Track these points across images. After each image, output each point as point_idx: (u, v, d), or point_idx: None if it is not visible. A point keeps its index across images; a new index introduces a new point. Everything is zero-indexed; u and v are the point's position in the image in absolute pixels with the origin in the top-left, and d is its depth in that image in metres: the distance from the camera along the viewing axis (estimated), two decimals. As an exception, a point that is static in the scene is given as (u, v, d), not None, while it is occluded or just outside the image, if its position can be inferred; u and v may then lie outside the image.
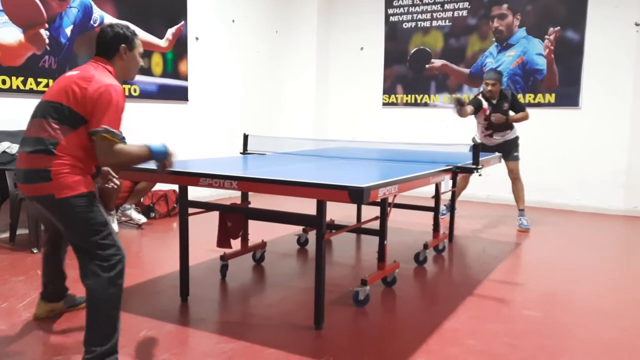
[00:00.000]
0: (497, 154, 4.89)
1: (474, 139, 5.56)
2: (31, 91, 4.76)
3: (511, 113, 5.40)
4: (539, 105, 6.71)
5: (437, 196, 4.37)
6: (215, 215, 3.33)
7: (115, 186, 2.92)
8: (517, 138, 5.52)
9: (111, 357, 2.26)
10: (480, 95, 5.43)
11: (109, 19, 5.39)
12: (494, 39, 6.99)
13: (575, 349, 2.68)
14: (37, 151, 2.26)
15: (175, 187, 5.32)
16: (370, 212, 3.81)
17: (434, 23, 7.40)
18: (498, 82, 5.33)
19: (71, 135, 2.26)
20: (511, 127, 5.49)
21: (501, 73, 5.72)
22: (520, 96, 6.79)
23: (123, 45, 2.45)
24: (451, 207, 4.91)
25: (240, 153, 4.44)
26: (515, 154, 5.48)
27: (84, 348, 2.25)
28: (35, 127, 2.31)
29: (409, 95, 7.65)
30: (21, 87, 4.70)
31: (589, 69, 6.46)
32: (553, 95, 6.67)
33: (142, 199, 5.54)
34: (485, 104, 5.35)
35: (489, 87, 5.30)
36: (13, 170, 4.30)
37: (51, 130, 2.26)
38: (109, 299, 2.26)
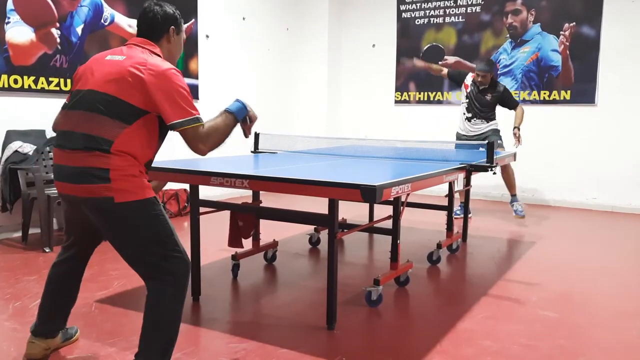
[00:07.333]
0: (513, 151, 4.82)
1: (457, 133, 5.67)
2: (42, 90, 4.77)
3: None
4: (554, 102, 6.61)
5: (450, 195, 4.32)
6: (226, 214, 3.31)
7: None
8: (497, 130, 5.53)
9: None
10: (472, 76, 5.53)
11: (120, 18, 5.40)
12: (508, 35, 6.90)
13: (593, 350, 2.62)
14: (88, 148, 1.97)
15: (186, 186, 5.31)
16: (382, 211, 3.77)
17: (447, 19, 7.33)
18: (488, 74, 5.42)
19: (127, 132, 1.98)
20: (493, 118, 5.54)
21: (493, 63, 5.72)
22: (526, 93, 6.70)
23: (172, 27, 2.21)
24: (465, 207, 4.85)
25: (252, 152, 4.42)
26: (500, 141, 5.46)
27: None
28: (82, 121, 2.01)
29: (422, 93, 7.58)
30: (33, 86, 4.71)
31: (605, 65, 6.35)
32: (568, 92, 6.57)
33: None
34: (469, 81, 5.51)
35: (479, 79, 5.42)
36: (29, 169, 4.31)
37: (105, 126, 1.97)
38: (172, 314, 2.04)
